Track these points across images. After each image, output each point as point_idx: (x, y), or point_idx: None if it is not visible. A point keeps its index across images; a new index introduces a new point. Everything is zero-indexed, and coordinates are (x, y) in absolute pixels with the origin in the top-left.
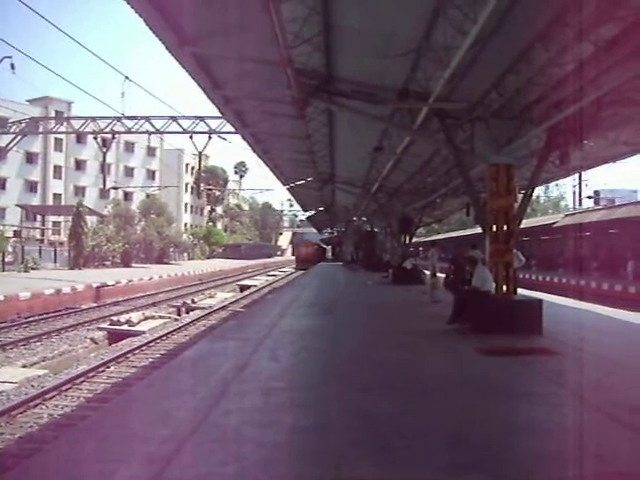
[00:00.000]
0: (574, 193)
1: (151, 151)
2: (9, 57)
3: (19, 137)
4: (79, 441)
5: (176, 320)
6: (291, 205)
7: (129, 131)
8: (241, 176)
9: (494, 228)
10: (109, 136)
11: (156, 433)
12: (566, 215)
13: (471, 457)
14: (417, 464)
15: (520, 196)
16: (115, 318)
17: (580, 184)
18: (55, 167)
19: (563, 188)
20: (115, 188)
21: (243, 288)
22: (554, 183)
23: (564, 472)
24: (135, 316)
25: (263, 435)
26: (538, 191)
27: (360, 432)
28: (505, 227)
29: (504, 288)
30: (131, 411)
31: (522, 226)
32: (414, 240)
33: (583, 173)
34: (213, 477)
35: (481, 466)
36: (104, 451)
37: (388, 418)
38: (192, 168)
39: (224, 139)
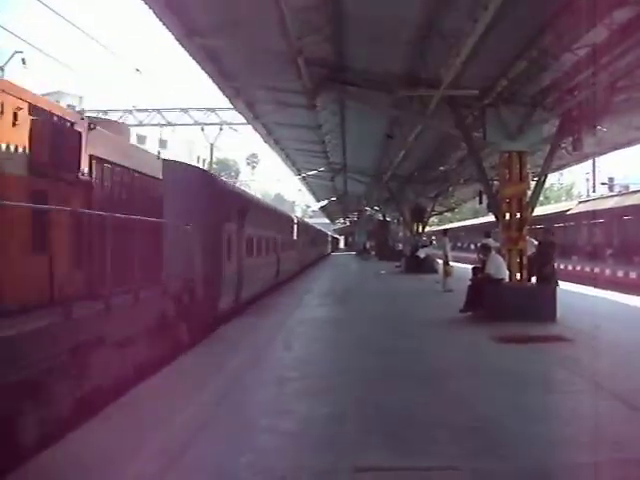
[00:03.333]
0: (587, 180)
1: (162, 143)
2: (20, 52)
3: None
4: None
5: None
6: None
7: (140, 124)
8: (253, 167)
9: (507, 216)
10: None
11: None
12: (580, 202)
13: (484, 444)
14: (427, 452)
15: (533, 183)
16: None
17: (594, 170)
18: None
19: (572, 176)
20: None
21: None
22: (567, 170)
23: (579, 458)
24: None
25: None
26: (551, 178)
27: (374, 421)
28: (518, 214)
29: (517, 275)
30: None
31: (535, 214)
32: (427, 229)
33: (597, 159)
34: None
35: (493, 453)
36: None
37: (402, 407)
38: (204, 160)
39: (235, 130)
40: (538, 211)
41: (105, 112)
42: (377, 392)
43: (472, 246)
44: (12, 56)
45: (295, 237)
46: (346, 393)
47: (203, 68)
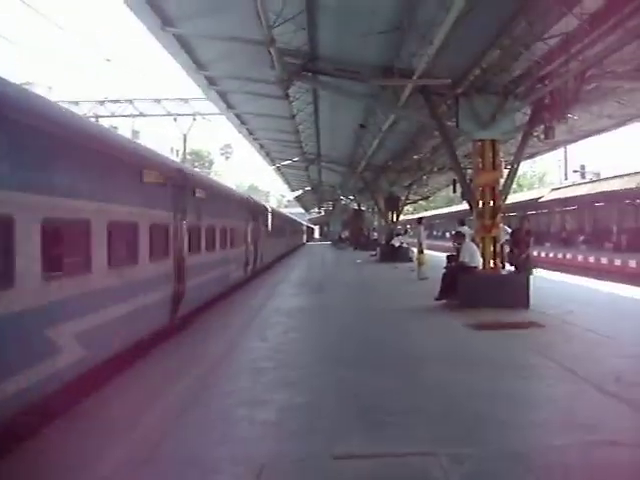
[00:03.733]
0: (559, 167)
1: (135, 134)
2: None
3: None
4: None
5: None
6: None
7: (112, 115)
8: (227, 158)
9: (480, 204)
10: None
11: None
12: (552, 189)
13: (458, 430)
14: (404, 438)
15: (506, 172)
16: None
17: (566, 158)
18: None
19: (545, 164)
20: None
21: None
22: (539, 158)
23: (551, 441)
24: None
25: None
26: (524, 166)
27: (350, 409)
28: (491, 202)
29: (491, 263)
30: None
31: (509, 201)
32: (402, 218)
33: (568, 148)
34: None
35: (469, 438)
36: None
37: (378, 394)
38: (177, 151)
39: (209, 120)
40: (511, 199)
41: (76, 103)
42: (352, 380)
43: (447, 234)
44: None
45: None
46: (322, 382)
47: (175, 58)
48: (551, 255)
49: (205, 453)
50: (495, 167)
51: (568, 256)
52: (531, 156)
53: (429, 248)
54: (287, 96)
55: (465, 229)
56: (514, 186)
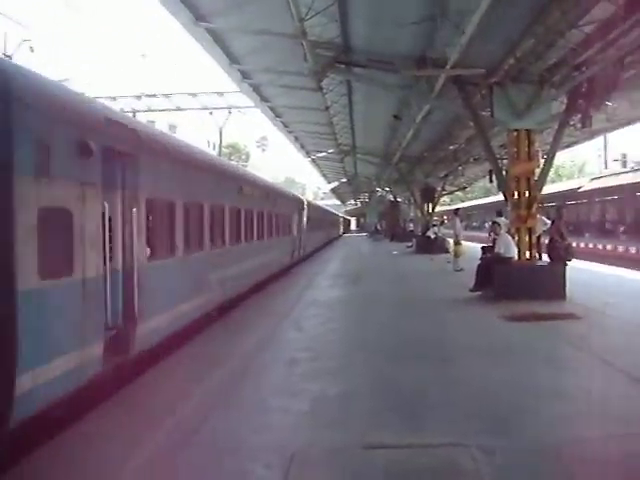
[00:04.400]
0: (599, 157)
1: (172, 128)
2: (28, 40)
3: None
4: None
5: None
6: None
7: (149, 109)
8: (263, 150)
9: (516, 194)
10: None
11: None
12: (592, 179)
13: (490, 422)
14: (437, 429)
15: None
16: None
17: (605, 147)
18: None
19: (584, 154)
20: None
21: None
22: (578, 147)
23: (584, 434)
24: None
25: None
26: (563, 156)
27: (384, 399)
28: (527, 193)
29: (527, 254)
30: None
31: (546, 191)
32: (438, 209)
33: (608, 136)
34: None
35: (501, 430)
36: None
37: (412, 386)
38: (214, 144)
39: (244, 114)
40: (549, 189)
41: (114, 98)
42: (387, 371)
43: (486, 225)
44: (20, 44)
45: (305, 219)
46: (357, 372)
47: (209, 52)
48: (590, 245)
49: (240, 441)
50: (531, 157)
51: (608, 247)
52: (569, 146)
53: (466, 239)
54: (320, 88)
55: (502, 220)
56: (553, 176)
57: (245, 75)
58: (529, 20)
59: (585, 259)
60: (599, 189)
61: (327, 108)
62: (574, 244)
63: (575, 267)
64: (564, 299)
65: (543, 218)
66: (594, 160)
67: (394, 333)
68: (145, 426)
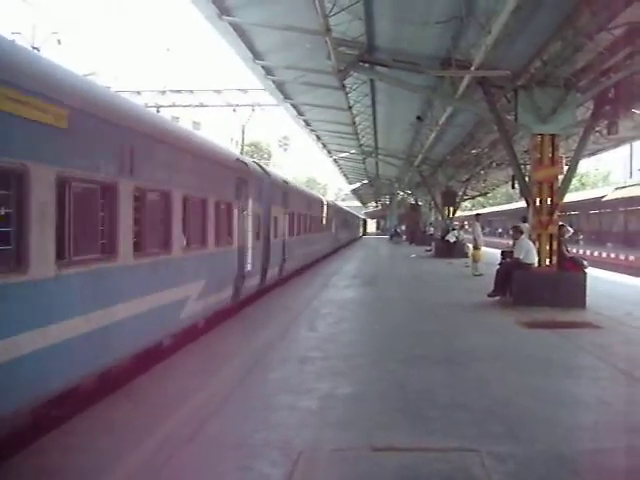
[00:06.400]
0: (624, 166)
1: (195, 125)
2: (55, 33)
3: None
4: None
5: None
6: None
7: (173, 105)
8: (285, 149)
9: (537, 200)
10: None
11: None
12: (616, 188)
13: (502, 428)
14: (447, 434)
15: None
16: None
17: (631, 156)
18: None
19: (609, 163)
20: None
21: None
22: (603, 156)
23: (596, 444)
24: None
25: None
26: (588, 165)
27: (394, 401)
28: (549, 199)
29: (547, 261)
30: None
31: (570, 199)
32: (459, 214)
33: (634, 144)
34: None
35: (513, 437)
36: None
37: (424, 388)
38: (236, 142)
39: (267, 112)
40: (573, 197)
41: (139, 93)
42: (399, 373)
43: (510, 232)
44: (48, 37)
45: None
46: (368, 373)
47: (233, 47)
48: (612, 255)
49: (245, 438)
50: (554, 163)
51: (631, 257)
52: (594, 153)
53: (487, 245)
54: (343, 87)
55: (524, 225)
56: (577, 184)
57: (268, 72)
58: (558, 21)
59: (608, 269)
60: (623, 199)
61: (350, 107)
62: (596, 254)
63: (597, 276)
64: (584, 308)
65: (566, 225)
66: (619, 169)
67: (408, 336)
68: (155, 418)
